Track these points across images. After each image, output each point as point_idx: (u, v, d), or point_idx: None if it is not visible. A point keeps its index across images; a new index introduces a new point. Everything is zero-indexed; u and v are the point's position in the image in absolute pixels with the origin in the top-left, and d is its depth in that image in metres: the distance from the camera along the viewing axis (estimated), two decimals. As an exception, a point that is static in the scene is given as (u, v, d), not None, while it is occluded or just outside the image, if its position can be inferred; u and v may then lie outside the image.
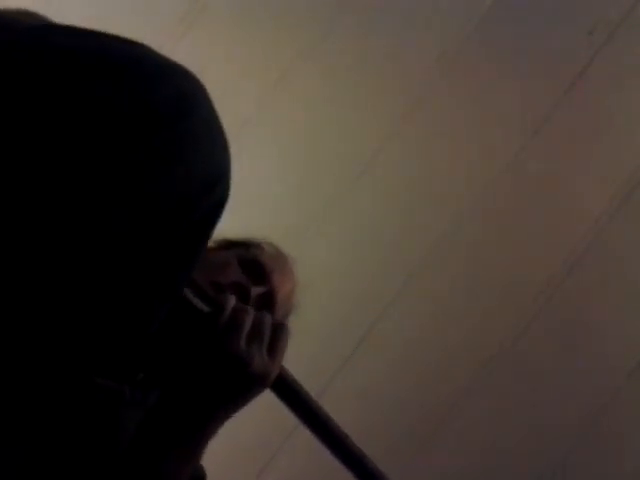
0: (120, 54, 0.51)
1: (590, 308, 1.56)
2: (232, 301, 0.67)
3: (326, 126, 1.60)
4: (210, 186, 0.52)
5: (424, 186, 1.59)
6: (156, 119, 0.49)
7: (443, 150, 1.59)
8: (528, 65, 1.59)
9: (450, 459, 1.54)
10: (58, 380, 0.59)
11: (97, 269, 0.49)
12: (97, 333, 0.52)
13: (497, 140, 1.58)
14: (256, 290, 0.90)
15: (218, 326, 0.65)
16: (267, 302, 0.93)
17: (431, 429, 1.54)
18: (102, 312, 0.51)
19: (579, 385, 1.53)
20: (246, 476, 1.53)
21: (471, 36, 1.59)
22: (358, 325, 1.56)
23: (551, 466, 1.53)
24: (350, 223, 1.58)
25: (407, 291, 1.56)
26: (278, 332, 0.69)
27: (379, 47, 1.60)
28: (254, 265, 0.94)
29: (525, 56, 1.59)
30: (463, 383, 1.54)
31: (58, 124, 0.47)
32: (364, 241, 1.58)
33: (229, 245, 1.00)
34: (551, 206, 1.57)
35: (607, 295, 1.56)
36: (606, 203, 1.56)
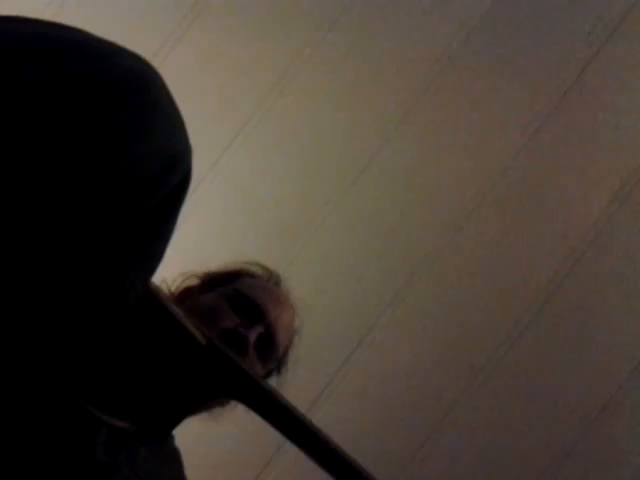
0: (60, 38, 0.50)
1: (590, 308, 1.56)
2: None
3: (326, 126, 1.60)
4: (173, 163, 0.52)
5: (424, 186, 1.59)
6: (113, 98, 0.48)
7: (443, 150, 1.59)
8: (528, 65, 1.59)
9: (450, 459, 1.54)
10: (38, 377, 0.58)
11: (62, 248, 0.49)
12: (69, 311, 0.52)
13: (497, 140, 1.58)
14: (254, 333, 0.85)
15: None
16: (267, 340, 0.88)
17: (431, 429, 1.54)
18: (71, 289, 0.51)
19: (579, 385, 1.53)
20: (245, 476, 1.53)
21: (471, 36, 1.59)
22: (358, 325, 1.56)
23: (551, 466, 1.53)
24: (350, 223, 1.58)
25: (407, 291, 1.56)
26: None
27: (379, 47, 1.60)
28: (245, 304, 0.87)
29: (525, 56, 1.59)
30: (463, 383, 1.54)
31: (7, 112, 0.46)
32: (364, 241, 1.58)
33: (213, 283, 0.93)
34: (551, 206, 1.57)
35: (607, 295, 1.56)
36: (606, 203, 1.56)
